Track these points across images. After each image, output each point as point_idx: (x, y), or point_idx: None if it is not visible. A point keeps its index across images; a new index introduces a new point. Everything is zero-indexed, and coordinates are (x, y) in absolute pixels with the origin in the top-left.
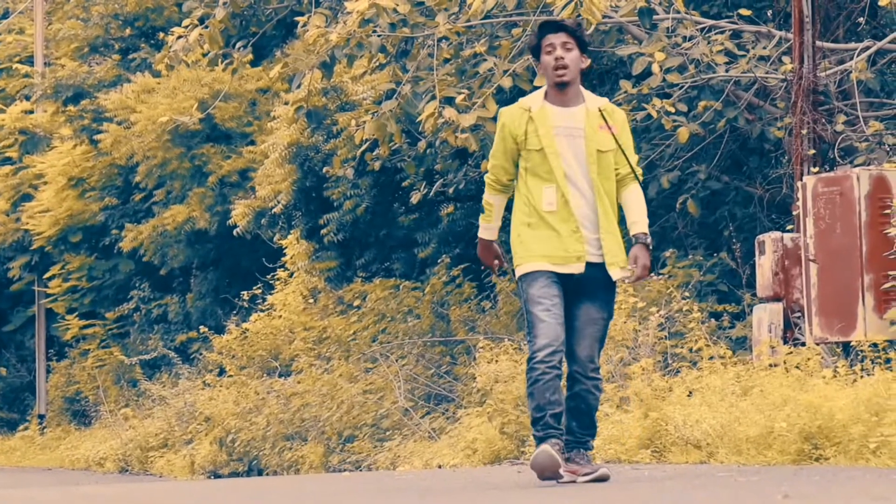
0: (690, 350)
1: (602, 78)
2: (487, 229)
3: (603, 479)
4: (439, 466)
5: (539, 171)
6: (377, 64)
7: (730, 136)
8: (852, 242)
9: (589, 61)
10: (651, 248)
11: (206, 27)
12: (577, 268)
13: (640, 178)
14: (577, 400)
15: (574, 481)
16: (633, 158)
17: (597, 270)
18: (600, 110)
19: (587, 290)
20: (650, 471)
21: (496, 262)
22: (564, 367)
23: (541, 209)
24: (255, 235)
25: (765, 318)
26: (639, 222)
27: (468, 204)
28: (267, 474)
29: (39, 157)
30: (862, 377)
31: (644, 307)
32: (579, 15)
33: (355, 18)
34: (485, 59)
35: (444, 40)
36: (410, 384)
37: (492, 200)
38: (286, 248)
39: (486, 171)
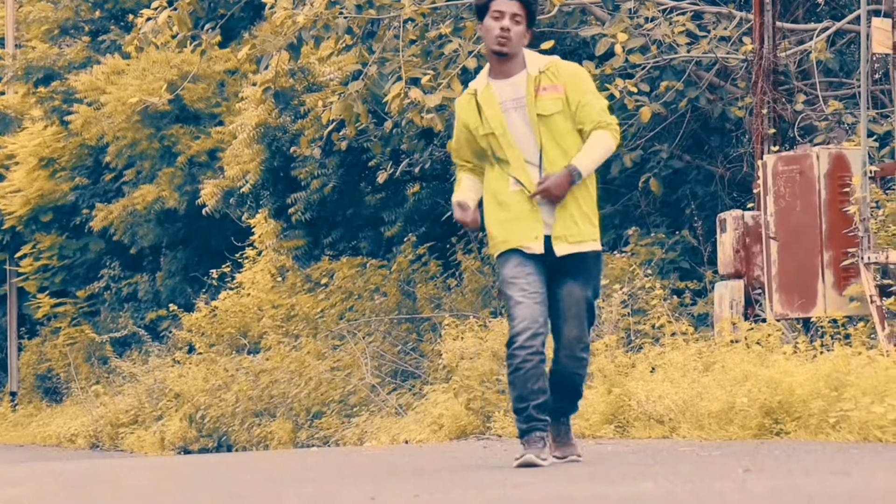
0: (653, 327)
1: (565, 58)
2: (457, 192)
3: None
4: (406, 442)
5: (499, 153)
6: (344, 45)
7: (691, 116)
8: (812, 220)
9: (532, 36)
10: (573, 181)
11: (175, 9)
12: (537, 247)
13: (612, 125)
14: (560, 377)
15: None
16: (597, 111)
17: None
18: (540, 72)
19: (567, 267)
20: (613, 446)
21: (470, 220)
22: (550, 346)
23: (506, 190)
24: (223, 215)
25: (726, 295)
26: (577, 158)
27: (434, 183)
28: (236, 450)
29: (10, 137)
30: (822, 353)
31: (607, 284)
32: None
33: (322, 0)
34: (450, 41)
35: (409, 22)
36: (377, 361)
37: (460, 176)
38: (254, 227)
39: (452, 152)
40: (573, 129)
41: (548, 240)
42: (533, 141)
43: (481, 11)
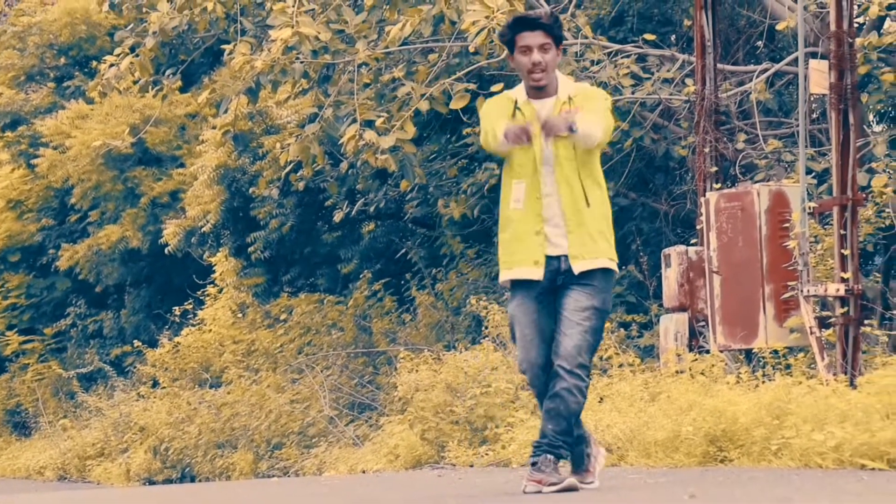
0: (601, 358)
1: None
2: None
3: (570, 489)
4: (363, 471)
5: (514, 163)
6: (300, 89)
7: (636, 155)
8: (753, 255)
9: (561, 53)
10: (571, 126)
11: (137, 56)
12: (536, 273)
13: (609, 126)
14: (555, 401)
15: (539, 491)
16: (599, 112)
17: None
18: (570, 97)
19: (575, 279)
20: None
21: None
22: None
23: (509, 208)
24: (185, 253)
25: (671, 328)
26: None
27: (389, 222)
28: (199, 481)
29: None
30: (763, 382)
31: None
32: (492, 41)
33: (279, 46)
34: (403, 84)
35: (363, 66)
36: (335, 394)
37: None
38: (215, 265)
39: (405, 190)
40: (587, 152)
41: (556, 260)
42: (551, 159)
43: (509, 47)
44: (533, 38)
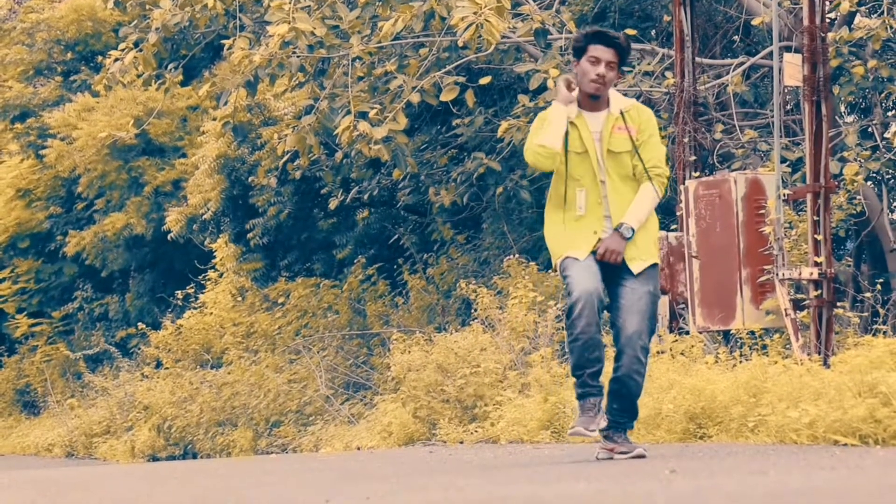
0: None
1: (502, 93)
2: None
3: (640, 457)
4: (358, 448)
5: (575, 173)
6: (297, 82)
7: None
8: (730, 240)
9: (620, 77)
10: (627, 238)
11: (141, 50)
12: (583, 254)
13: (664, 176)
14: (618, 384)
15: (611, 458)
16: (653, 155)
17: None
18: (622, 112)
19: (626, 271)
20: (550, 450)
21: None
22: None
23: (574, 213)
24: (187, 240)
25: None
26: (628, 216)
27: (381, 209)
28: (201, 458)
29: None
30: (741, 362)
31: (543, 301)
32: (480, 36)
33: (276, 41)
34: (395, 77)
35: (357, 60)
36: (331, 374)
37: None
38: (216, 251)
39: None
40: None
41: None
42: (604, 172)
43: (578, 52)
44: (605, 53)
